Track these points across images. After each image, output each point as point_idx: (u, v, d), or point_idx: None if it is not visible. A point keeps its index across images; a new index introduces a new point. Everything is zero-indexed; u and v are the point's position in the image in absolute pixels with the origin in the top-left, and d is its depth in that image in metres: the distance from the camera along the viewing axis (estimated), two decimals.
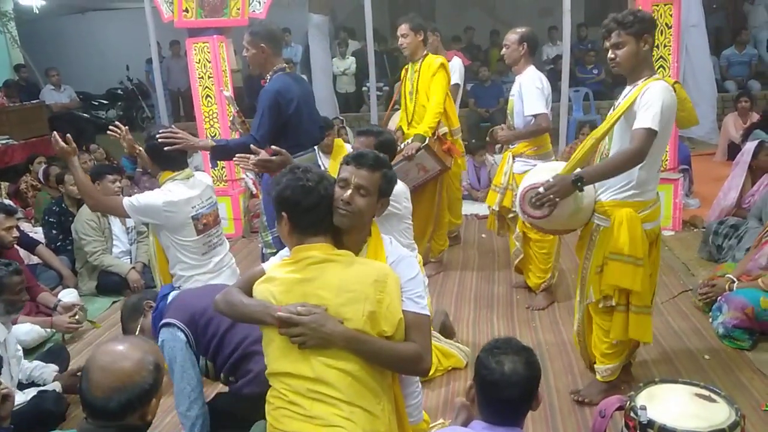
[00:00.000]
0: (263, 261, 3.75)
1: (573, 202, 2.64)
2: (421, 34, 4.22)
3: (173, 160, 3.19)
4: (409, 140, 4.03)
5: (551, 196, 2.54)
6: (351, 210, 1.91)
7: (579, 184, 2.52)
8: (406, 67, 4.41)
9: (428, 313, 1.96)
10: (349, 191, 1.92)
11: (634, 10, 2.64)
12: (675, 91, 2.62)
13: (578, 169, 2.59)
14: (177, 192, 3.17)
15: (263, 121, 3.30)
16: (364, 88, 9.48)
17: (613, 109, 2.69)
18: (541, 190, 2.57)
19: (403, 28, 4.21)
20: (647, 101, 2.50)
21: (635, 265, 2.60)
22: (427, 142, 3.98)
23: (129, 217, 3.52)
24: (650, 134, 2.47)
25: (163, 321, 2.36)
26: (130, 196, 3.27)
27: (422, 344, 1.89)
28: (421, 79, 4.19)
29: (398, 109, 4.56)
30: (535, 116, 3.72)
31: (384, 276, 1.86)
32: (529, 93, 3.73)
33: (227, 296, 1.96)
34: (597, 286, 2.74)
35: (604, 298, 2.72)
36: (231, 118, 3.80)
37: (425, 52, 4.26)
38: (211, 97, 5.55)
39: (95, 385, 1.47)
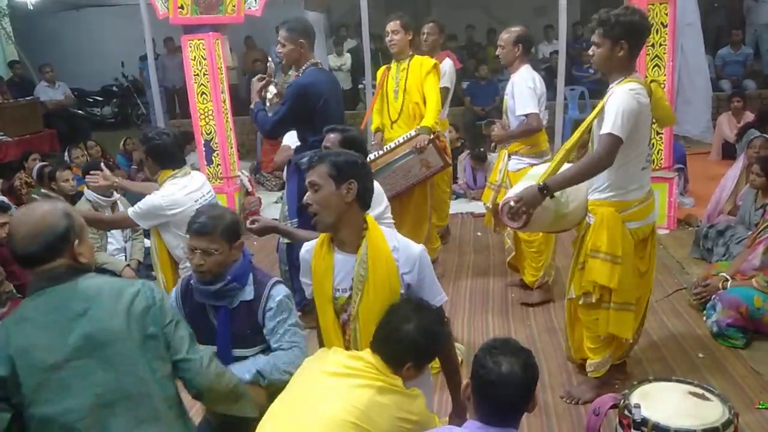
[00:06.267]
0: (277, 251, 3.81)
1: (553, 209, 2.72)
2: (410, 34, 4.15)
3: (173, 157, 3.28)
4: (411, 132, 3.97)
5: (523, 208, 2.61)
6: (313, 209, 2.03)
7: (545, 192, 2.58)
8: (386, 66, 4.31)
9: (444, 298, 2.13)
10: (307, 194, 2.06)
11: (620, 11, 2.60)
12: (651, 91, 2.62)
13: (589, 217, 2.71)
14: (177, 187, 3.25)
15: (283, 110, 3.44)
16: (360, 86, 9.47)
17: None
18: (512, 204, 2.64)
19: (394, 25, 4.12)
20: (609, 107, 2.56)
21: (613, 263, 2.64)
22: (432, 136, 3.92)
23: (139, 227, 3.63)
24: (612, 139, 2.53)
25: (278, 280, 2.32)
26: (125, 194, 3.30)
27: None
28: (411, 78, 4.10)
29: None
30: (526, 116, 3.73)
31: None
32: (521, 93, 3.73)
33: None
34: (578, 282, 2.80)
35: (584, 295, 2.77)
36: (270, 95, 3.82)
37: (411, 53, 4.18)
38: (206, 95, 5.53)
39: (17, 238, 1.64)
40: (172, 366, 1.73)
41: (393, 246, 2.05)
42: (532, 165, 3.53)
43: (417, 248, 2.08)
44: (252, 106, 3.57)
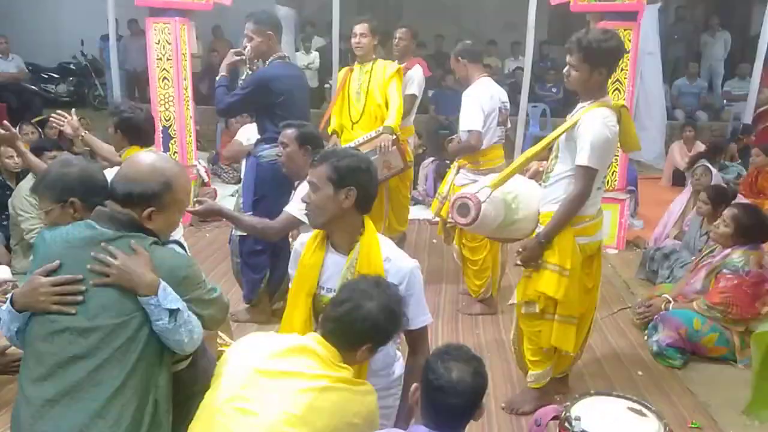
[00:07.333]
0: (230, 243, 3.74)
1: (503, 213, 2.78)
2: (377, 38, 4.19)
3: (144, 134, 3.15)
4: (373, 132, 3.96)
5: (529, 260, 2.74)
6: (308, 208, 2.01)
7: (543, 242, 2.68)
8: (349, 67, 4.33)
9: (429, 320, 2.14)
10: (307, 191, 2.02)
11: (600, 35, 2.60)
12: (620, 116, 2.69)
13: (540, 228, 2.76)
14: None
15: (239, 94, 3.46)
16: (326, 85, 9.42)
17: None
18: (467, 202, 2.72)
19: (362, 28, 4.13)
20: (582, 136, 2.60)
21: (561, 275, 2.68)
22: (395, 137, 3.93)
23: None
24: (587, 171, 2.61)
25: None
26: None
27: (424, 353, 2.03)
28: (374, 81, 4.13)
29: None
30: (469, 132, 3.74)
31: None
32: (466, 108, 3.74)
33: None
34: (522, 289, 2.83)
35: (526, 304, 2.80)
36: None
37: (374, 56, 4.22)
38: (168, 80, 5.40)
39: (120, 172, 1.82)
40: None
41: (386, 256, 2.01)
42: (475, 182, 3.51)
43: (410, 263, 2.04)
44: (218, 78, 3.57)
